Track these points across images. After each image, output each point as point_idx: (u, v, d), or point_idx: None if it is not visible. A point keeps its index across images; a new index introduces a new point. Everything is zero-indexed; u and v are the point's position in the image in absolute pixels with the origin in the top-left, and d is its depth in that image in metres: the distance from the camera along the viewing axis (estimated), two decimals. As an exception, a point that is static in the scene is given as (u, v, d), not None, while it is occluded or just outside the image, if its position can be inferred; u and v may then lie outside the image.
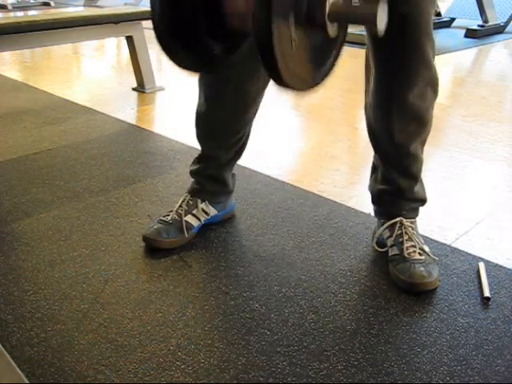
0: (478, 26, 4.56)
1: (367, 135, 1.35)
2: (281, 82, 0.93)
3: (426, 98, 1.24)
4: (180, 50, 1.05)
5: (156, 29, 1.01)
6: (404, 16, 1.13)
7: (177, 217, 1.44)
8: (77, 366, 1.03)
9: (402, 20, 1.13)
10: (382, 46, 1.20)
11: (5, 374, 0.63)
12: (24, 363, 1.04)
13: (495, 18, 4.70)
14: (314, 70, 1.02)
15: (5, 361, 0.66)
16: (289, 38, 0.90)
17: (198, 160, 1.50)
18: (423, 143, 1.31)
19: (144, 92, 3.00)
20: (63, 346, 1.08)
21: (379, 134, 1.31)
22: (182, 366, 1.03)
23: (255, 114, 1.42)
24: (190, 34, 1.04)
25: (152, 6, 1.00)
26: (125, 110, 2.70)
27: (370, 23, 0.93)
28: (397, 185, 1.32)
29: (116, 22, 2.77)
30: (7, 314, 1.17)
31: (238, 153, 1.48)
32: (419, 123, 1.26)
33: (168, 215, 1.45)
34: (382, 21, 0.93)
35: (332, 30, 0.97)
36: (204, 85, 1.37)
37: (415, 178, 1.33)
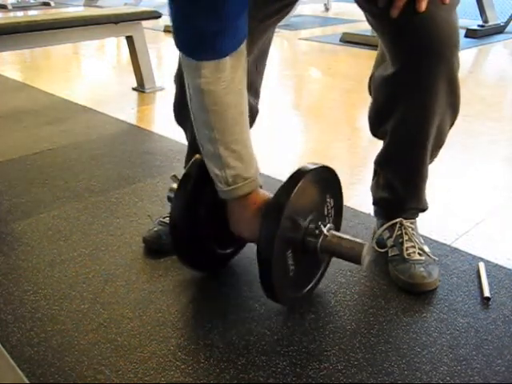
0: (478, 26, 4.56)
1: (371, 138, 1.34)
2: (274, 299, 1.12)
3: (444, 118, 1.17)
4: (198, 262, 1.26)
5: (177, 251, 1.23)
6: (421, 25, 1.05)
7: None
8: (77, 366, 1.03)
9: (421, 30, 1.06)
10: (400, 61, 1.12)
11: (5, 374, 0.63)
12: (24, 363, 1.04)
13: (495, 18, 4.70)
14: (301, 289, 1.18)
15: (5, 361, 0.66)
16: (286, 266, 1.08)
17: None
18: (431, 158, 1.27)
19: (144, 92, 3.00)
20: (63, 346, 1.08)
21: (387, 150, 1.29)
22: (182, 366, 1.03)
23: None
24: (206, 250, 1.25)
25: (171, 224, 1.19)
26: (125, 110, 2.70)
27: (355, 262, 1.09)
28: (399, 196, 1.30)
29: (116, 22, 2.77)
30: (7, 314, 1.17)
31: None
32: (431, 142, 1.21)
33: (166, 217, 1.45)
34: (365, 260, 1.08)
35: (322, 256, 1.14)
36: None
37: (418, 191, 1.30)
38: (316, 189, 1.13)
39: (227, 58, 0.98)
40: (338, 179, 1.20)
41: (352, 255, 1.08)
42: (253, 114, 1.30)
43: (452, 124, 1.23)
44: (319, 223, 1.11)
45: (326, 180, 1.15)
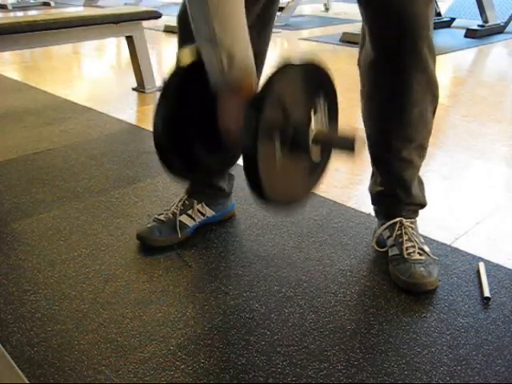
0: (478, 25, 4.56)
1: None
2: (263, 199, 1.03)
3: (424, 105, 1.22)
4: (180, 166, 1.15)
5: (158, 147, 1.11)
6: (398, 17, 1.12)
7: (171, 216, 1.44)
8: (77, 366, 1.03)
9: (396, 22, 1.13)
10: (378, 48, 1.20)
11: (5, 374, 0.63)
12: (24, 363, 1.04)
13: (495, 18, 4.70)
14: (296, 190, 1.12)
15: (5, 361, 0.65)
16: (274, 160, 1.00)
17: None
18: (419, 149, 1.29)
19: (144, 92, 3.00)
20: (63, 346, 1.08)
21: (374, 140, 1.31)
22: (182, 366, 1.03)
23: None
24: (189, 152, 1.15)
25: (154, 128, 1.10)
26: (125, 110, 2.70)
27: (349, 149, 1.03)
28: (393, 189, 1.32)
29: (116, 22, 2.77)
30: (7, 314, 1.17)
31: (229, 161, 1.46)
32: (415, 129, 1.24)
33: (162, 214, 1.46)
34: (358, 145, 1.02)
35: (315, 154, 1.07)
36: None
37: (409, 183, 1.31)
38: (305, 82, 1.07)
39: None
40: (332, 80, 1.12)
41: (346, 142, 1.03)
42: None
43: (434, 110, 1.26)
44: (309, 116, 1.06)
45: (317, 74, 1.09)
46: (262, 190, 1.00)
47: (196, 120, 1.13)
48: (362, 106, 1.33)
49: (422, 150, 1.30)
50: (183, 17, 1.27)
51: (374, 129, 1.30)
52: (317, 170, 1.16)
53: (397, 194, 1.32)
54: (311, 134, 1.02)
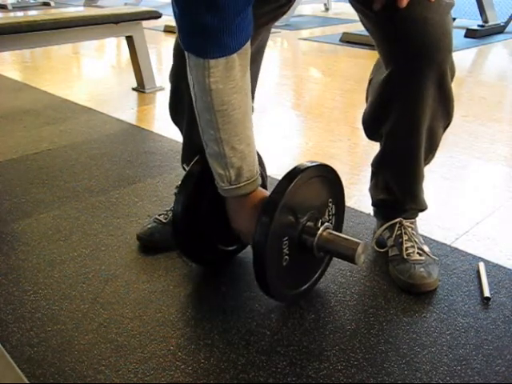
0: (478, 25, 4.56)
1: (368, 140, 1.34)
2: (268, 292, 1.11)
3: (436, 121, 1.18)
4: (199, 257, 1.29)
5: (178, 246, 1.26)
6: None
7: (171, 216, 1.44)
8: (77, 366, 1.03)
9: (409, 35, 1.07)
10: (398, 70, 1.13)
11: (5, 374, 0.63)
12: (24, 363, 1.04)
13: (495, 18, 4.70)
14: (299, 285, 1.18)
15: (5, 361, 0.65)
16: (281, 258, 1.08)
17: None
18: (427, 162, 1.29)
19: (144, 92, 3.00)
20: (63, 346, 1.08)
21: (381, 154, 1.30)
22: (182, 366, 1.03)
23: None
24: (207, 246, 1.27)
25: (173, 227, 1.21)
26: (125, 110, 2.70)
27: (350, 261, 1.10)
28: (396, 197, 1.31)
29: (116, 22, 2.77)
30: (7, 314, 1.17)
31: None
32: (424, 147, 1.22)
33: (162, 214, 1.45)
34: (360, 259, 1.08)
35: (319, 255, 1.13)
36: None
37: (415, 194, 1.31)
38: (314, 187, 1.13)
39: (235, 55, 0.97)
40: (340, 181, 1.20)
41: (347, 254, 1.08)
42: None
43: (445, 127, 1.24)
44: (317, 221, 1.11)
45: (325, 179, 1.15)
46: (269, 287, 1.09)
47: (211, 215, 1.22)
48: (366, 125, 1.31)
49: (428, 161, 1.29)
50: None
51: (383, 145, 1.29)
52: (321, 264, 1.24)
53: (400, 201, 1.31)
54: (316, 240, 1.10)
